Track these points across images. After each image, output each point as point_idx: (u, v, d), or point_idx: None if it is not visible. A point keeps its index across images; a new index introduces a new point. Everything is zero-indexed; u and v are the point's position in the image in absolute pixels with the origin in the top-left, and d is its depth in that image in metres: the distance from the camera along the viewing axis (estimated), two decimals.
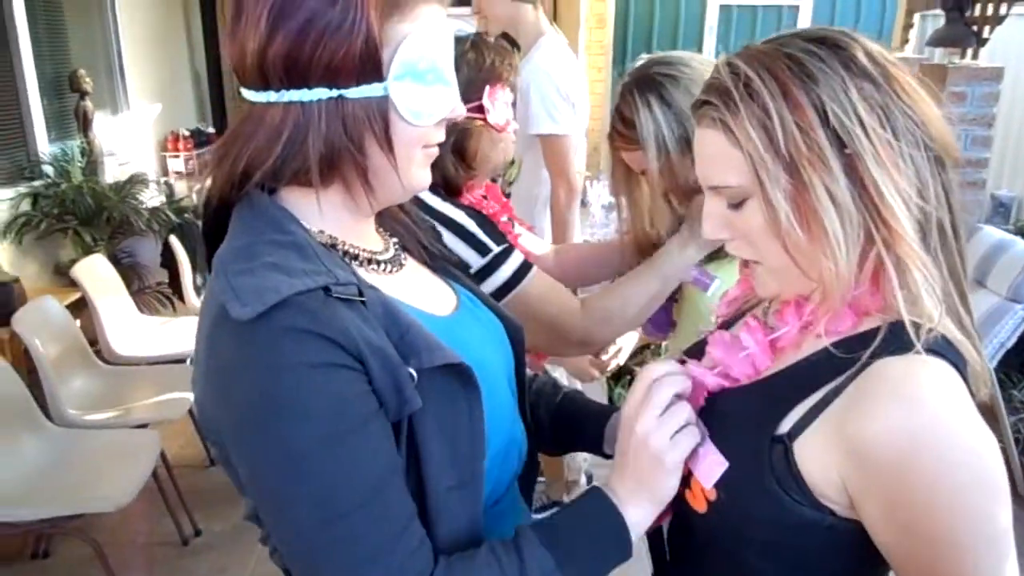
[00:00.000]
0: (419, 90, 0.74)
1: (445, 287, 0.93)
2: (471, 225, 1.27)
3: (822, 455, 0.69)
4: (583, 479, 2.66)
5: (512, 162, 2.26)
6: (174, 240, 3.99)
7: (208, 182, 0.79)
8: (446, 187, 1.31)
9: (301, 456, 0.67)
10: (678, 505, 0.81)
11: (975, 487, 0.65)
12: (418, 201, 1.29)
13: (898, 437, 0.64)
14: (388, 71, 0.72)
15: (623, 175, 1.39)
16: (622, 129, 1.31)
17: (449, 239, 1.24)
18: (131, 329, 3.32)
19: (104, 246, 3.81)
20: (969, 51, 3.14)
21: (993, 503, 0.65)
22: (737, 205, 0.74)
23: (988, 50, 3.16)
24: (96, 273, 3.31)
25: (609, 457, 0.95)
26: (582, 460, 2.64)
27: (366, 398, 0.69)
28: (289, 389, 0.66)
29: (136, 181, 4.18)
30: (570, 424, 1.05)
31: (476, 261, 1.26)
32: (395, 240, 0.90)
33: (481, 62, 1.27)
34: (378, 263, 0.83)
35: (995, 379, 2.86)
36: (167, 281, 4.20)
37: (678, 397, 0.78)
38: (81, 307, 3.25)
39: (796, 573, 0.75)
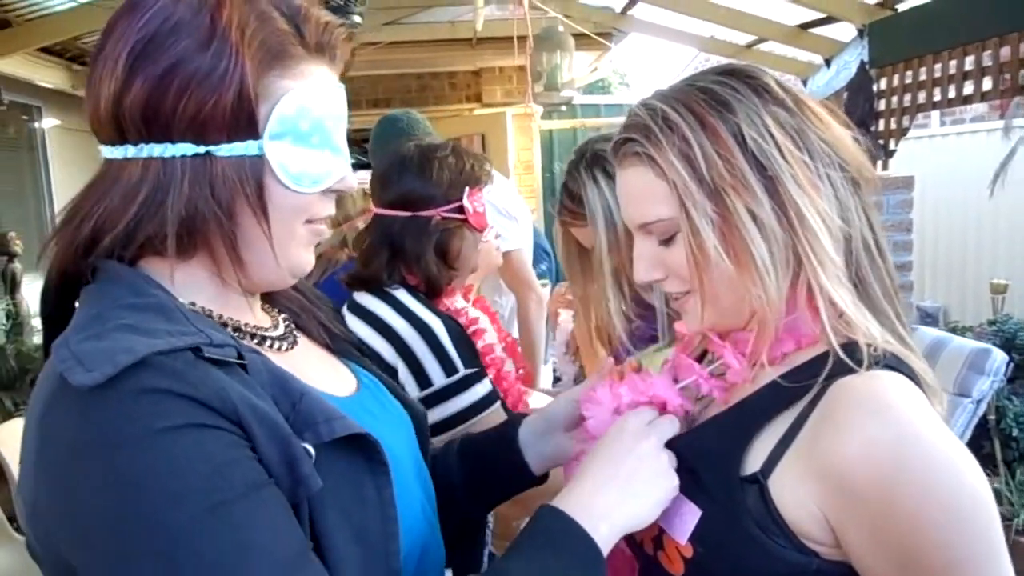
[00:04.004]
0: (301, 153, 0.66)
1: (345, 370, 0.82)
2: (444, 338, 1.23)
3: (798, 489, 0.65)
4: None
5: None
6: None
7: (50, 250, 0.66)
8: (428, 287, 1.30)
9: (178, 542, 0.52)
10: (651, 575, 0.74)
11: (963, 495, 0.61)
12: (395, 302, 1.26)
13: (878, 451, 0.61)
14: (264, 128, 0.64)
15: (576, 254, 1.40)
16: (570, 205, 1.33)
17: (419, 347, 1.21)
18: None
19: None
20: (879, 163, 3.37)
21: (983, 510, 0.61)
22: (667, 241, 0.74)
23: (894, 162, 3.40)
24: (16, 440, 3.06)
25: (537, 478, 0.90)
26: None
27: (250, 464, 0.57)
28: (149, 462, 0.52)
29: None
30: (481, 458, 0.91)
31: (439, 379, 1.21)
32: (286, 318, 0.80)
33: (461, 165, 1.31)
34: (263, 339, 0.71)
35: None
36: None
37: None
38: None
39: None
